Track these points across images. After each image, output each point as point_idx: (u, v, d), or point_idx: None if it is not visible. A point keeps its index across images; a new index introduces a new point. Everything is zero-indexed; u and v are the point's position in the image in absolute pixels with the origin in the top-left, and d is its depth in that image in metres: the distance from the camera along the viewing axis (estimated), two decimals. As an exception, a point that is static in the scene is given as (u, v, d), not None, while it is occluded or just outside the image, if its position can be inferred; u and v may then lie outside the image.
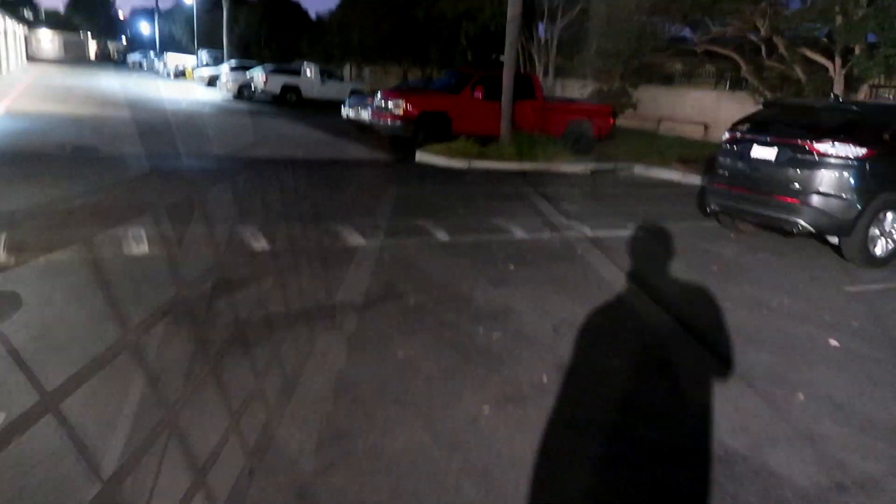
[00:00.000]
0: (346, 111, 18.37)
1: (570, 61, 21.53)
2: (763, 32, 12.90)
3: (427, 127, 14.77)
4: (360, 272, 5.47)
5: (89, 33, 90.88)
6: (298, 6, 44.10)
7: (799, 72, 13.26)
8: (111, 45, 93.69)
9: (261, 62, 33.87)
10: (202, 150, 12.59)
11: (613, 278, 5.93)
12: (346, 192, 9.35)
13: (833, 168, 6.94)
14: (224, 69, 33.43)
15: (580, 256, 6.64)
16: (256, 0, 44.42)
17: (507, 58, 14.39)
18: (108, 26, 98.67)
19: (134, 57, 62.80)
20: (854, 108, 7.33)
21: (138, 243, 5.65)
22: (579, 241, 7.27)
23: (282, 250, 5.90)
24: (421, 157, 13.81)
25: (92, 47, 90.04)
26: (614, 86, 19.69)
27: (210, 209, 7.39)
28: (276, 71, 28.40)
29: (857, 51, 12.46)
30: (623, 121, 17.69)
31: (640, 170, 15.19)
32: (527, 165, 14.00)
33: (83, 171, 9.24)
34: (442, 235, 6.87)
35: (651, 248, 7.30)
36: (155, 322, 4.00)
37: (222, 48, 38.36)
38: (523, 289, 5.41)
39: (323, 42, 35.16)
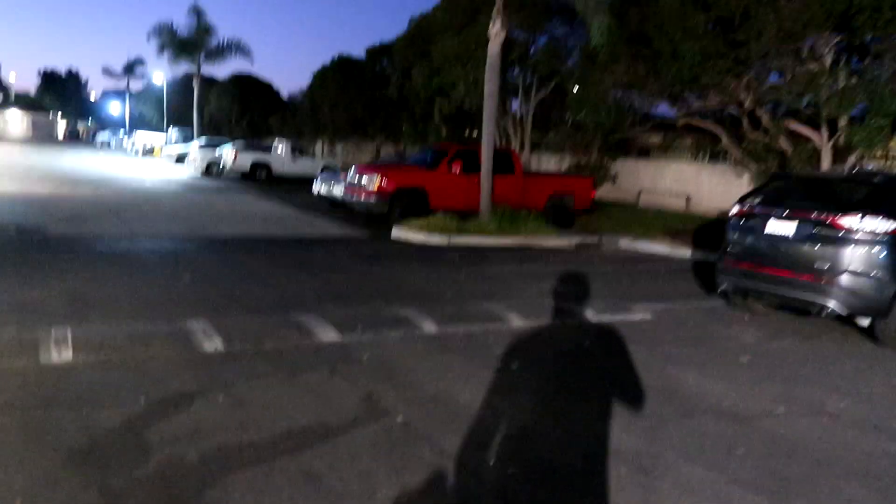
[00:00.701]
0: (318, 187, 17.64)
1: (544, 135, 21.33)
2: (747, 105, 12.63)
3: (403, 202, 14.05)
4: (334, 380, 4.48)
5: (59, 114, 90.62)
6: (270, 86, 44.23)
7: (783, 143, 12.95)
8: (80, 126, 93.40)
9: (232, 140, 33.43)
10: (159, 230, 11.62)
11: (636, 380, 5.02)
12: (318, 274, 8.41)
13: (862, 245, 6.24)
14: (193, 146, 32.86)
15: (590, 350, 5.74)
16: (227, 79, 44.44)
17: (486, 132, 13.89)
18: (79, 107, 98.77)
19: (102, 136, 62.21)
20: (877, 178, 6.72)
21: (59, 348, 4.61)
22: (585, 330, 6.38)
23: (239, 352, 4.90)
24: (398, 233, 13.00)
25: (62, 127, 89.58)
26: (592, 159, 19.41)
27: (156, 299, 6.38)
28: (246, 147, 27.84)
29: (841, 122, 12.20)
30: (602, 193, 17.28)
31: (625, 243, 14.56)
32: (509, 240, 13.27)
33: (23, 254, 8.20)
34: (429, 326, 5.93)
35: (667, 335, 6.44)
36: (54, 469, 2.95)
37: (192, 126, 37.98)
38: (534, 397, 4.46)
39: (294, 119, 34.92)
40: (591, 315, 6.90)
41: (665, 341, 6.19)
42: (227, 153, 27.23)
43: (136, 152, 43.33)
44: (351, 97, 27.36)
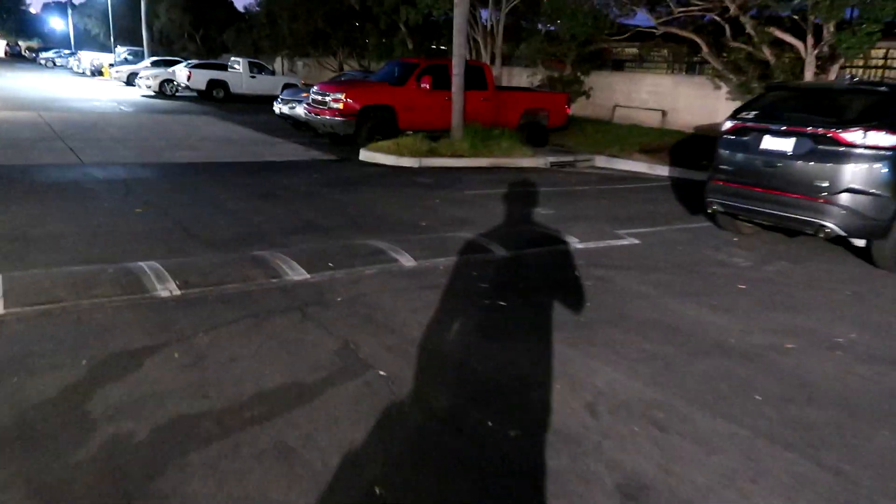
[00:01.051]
0: (279, 107, 16.65)
1: (515, 48, 20.33)
2: (732, 11, 11.94)
3: (371, 122, 13.28)
4: (306, 327, 4.02)
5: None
6: (223, -3, 41.53)
7: (767, 53, 12.38)
8: (22, 43, 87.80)
9: (186, 59, 31.50)
10: (109, 156, 10.76)
11: (634, 315, 4.66)
12: (282, 203, 7.81)
13: (865, 161, 5.86)
14: (141, 65, 30.98)
15: (582, 277, 5.35)
16: (177, -10, 41.57)
17: (457, 44, 13.02)
18: (20, 23, 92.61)
19: (46, 54, 58.52)
20: (882, 89, 6.27)
21: (-12, 299, 4.05)
22: (573, 256, 5.98)
23: (196, 296, 4.38)
24: (366, 155, 12.33)
25: (1, 45, 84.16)
26: (565, 73, 18.59)
27: (103, 236, 5.77)
28: (201, 66, 26.31)
29: (827, 30, 11.65)
30: (576, 109, 16.66)
31: (601, 161, 14.13)
32: (483, 161, 12.72)
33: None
34: (406, 260, 5.46)
35: (658, 262, 6.08)
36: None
37: (143, 43, 35.69)
38: (525, 339, 4.07)
39: (251, 35, 32.94)
40: (576, 241, 6.49)
41: (657, 268, 5.83)
42: (181, 72, 25.71)
43: (84, 72, 40.90)
44: (310, 8, 25.63)
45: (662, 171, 13.04)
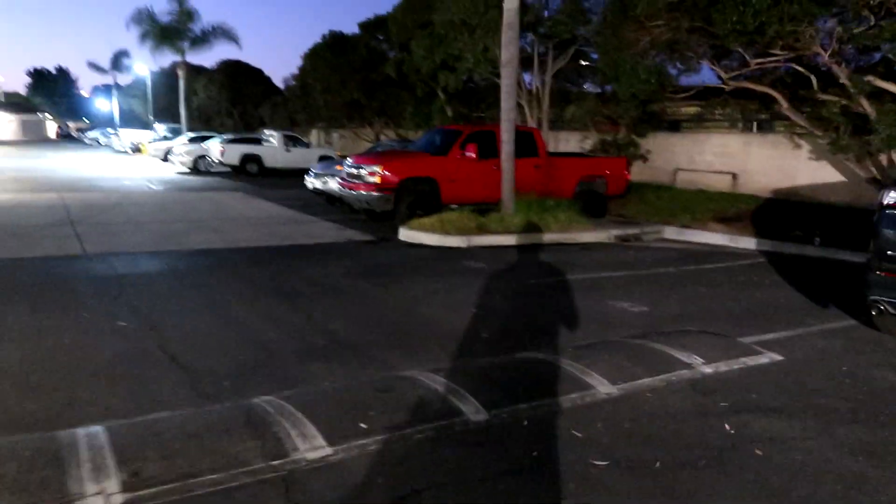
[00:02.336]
0: (312, 181, 15.43)
1: (561, 112, 18.99)
2: (825, 58, 10.36)
3: (411, 196, 11.84)
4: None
5: (48, 114, 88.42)
6: (260, 72, 41.78)
7: (865, 105, 10.68)
8: (72, 124, 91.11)
9: (222, 133, 31.17)
10: (115, 243, 9.45)
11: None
12: (303, 306, 6.23)
13: None
14: (178, 141, 30.67)
15: (734, 439, 3.56)
16: (215, 67, 42.01)
17: (505, 108, 11.62)
18: (71, 105, 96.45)
19: (92, 134, 59.97)
20: None
21: None
22: (705, 392, 4.20)
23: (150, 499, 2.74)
24: (406, 234, 10.81)
25: (52, 127, 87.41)
26: (619, 136, 17.09)
27: (51, 372, 4.22)
28: (235, 140, 25.64)
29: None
30: (632, 174, 15.04)
31: (672, 233, 12.37)
32: (538, 237, 11.10)
33: None
34: (472, 411, 3.75)
35: (829, 398, 4.25)
36: None
37: (181, 120, 35.72)
38: None
39: (286, 108, 32.57)
40: (700, 362, 4.71)
41: (835, 411, 4.00)
42: (214, 147, 25.06)
43: (125, 150, 41.19)
44: (345, 78, 24.88)
45: (747, 243, 11.22)
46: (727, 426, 3.65)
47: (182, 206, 14.52)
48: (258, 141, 25.67)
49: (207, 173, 25.41)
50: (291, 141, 25.80)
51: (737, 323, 6.00)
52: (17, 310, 5.79)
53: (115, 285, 6.87)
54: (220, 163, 24.68)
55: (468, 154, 12.17)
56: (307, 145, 26.83)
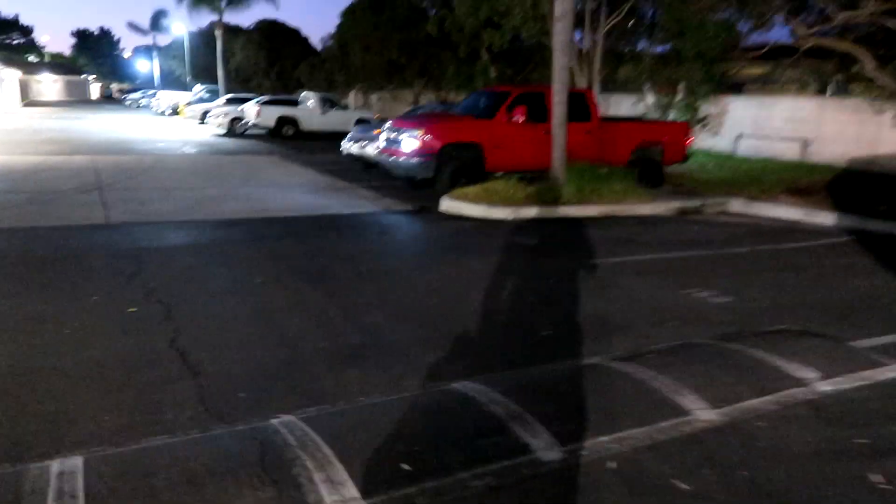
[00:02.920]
0: (348, 146, 14.67)
1: (612, 74, 17.77)
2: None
3: (454, 163, 10.99)
4: None
5: (92, 75, 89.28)
6: (297, 32, 40.86)
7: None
8: (115, 86, 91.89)
9: (260, 95, 30.57)
10: (140, 210, 8.89)
11: None
12: (336, 290, 5.53)
13: None
14: (216, 103, 30.19)
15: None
16: (252, 27, 41.23)
17: (558, 67, 10.62)
18: (114, 67, 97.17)
19: (133, 96, 60.10)
20: None
21: None
22: (833, 422, 3.36)
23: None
24: (448, 205, 10.01)
25: (95, 88, 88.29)
26: (675, 99, 15.87)
27: (34, 374, 3.59)
28: (271, 102, 24.98)
29: None
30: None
31: (738, 206, 11.29)
32: (592, 209, 10.21)
33: None
34: (539, 443, 2.99)
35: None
36: None
37: (218, 81, 35.20)
38: None
39: (324, 69, 31.73)
40: (814, 376, 3.85)
41: None
42: (250, 109, 24.44)
43: (163, 112, 41.01)
44: (384, 36, 23.90)
45: (826, 218, 10.12)
46: (880, 477, 2.82)
47: (215, 171, 13.93)
48: (294, 103, 24.96)
49: (243, 135, 24.90)
50: (328, 103, 25.03)
51: (841, 320, 5.10)
52: (19, 290, 5.21)
53: (132, 261, 6.26)
54: (256, 125, 24.10)
55: (516, 117, 11.23)
56: (345, 108, 26.05)
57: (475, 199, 9.94)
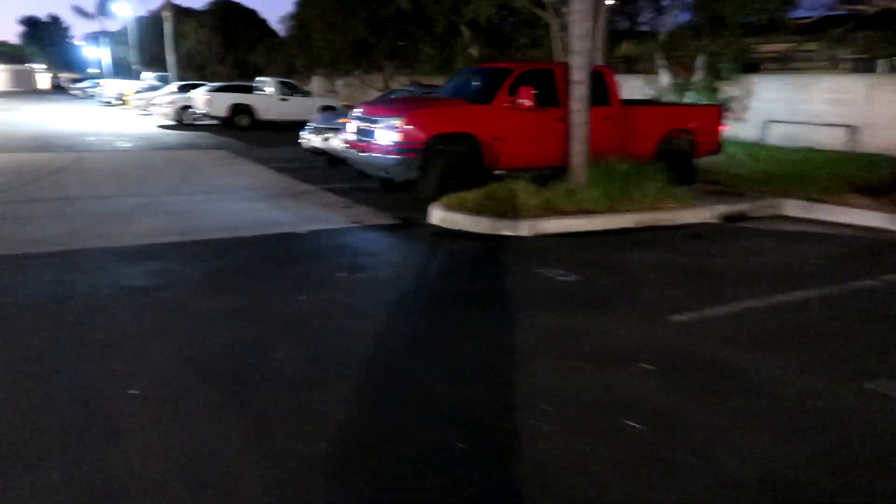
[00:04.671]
0: (309, 138, 12.07)
1: (614, 49, 15.42)
2: None
3: (443, 161, 8.53)
4: None
5: (42, 64, 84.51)
6: (254, 13, 37.73)
7: None
8: (65, 75, 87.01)
9: (213, 82, 27.58)
10: (17, 234, 6.27)
11: None
12: (270, 423, 3.07)
13: None
14: (162, 91, 27.17)
15: None
16: (206, 9, 37.98)
17: (578, 34, 8.22)
18: (64, 55, 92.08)
19: (80, 85, 56.07)
20: None
21: None
22: None
23: None
24: (442, 216, 7.58)
25: (45, 78, 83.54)
26: (692, 79, 13.60)
27: None
28: (223, 88, 22.17)
29: None
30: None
31: (796, 209, 9.05)
32: (626, 219, 7.92)
33: None
34: None
35: None
36: None
37: (169, 68, 32.03)
38: None
39: (283, 52, 28.86)
40: None
41: None
42: (199, 96, 21.59)
43: (110, 101, 37.61)
44: (349, 13, 21.17)
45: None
46: None
47: (143, 172, 11.24)
48: (249, 89, 22.18)
49: (192, 126, 22.02)
50: (288, 89, 22.32)
51: None
52: None
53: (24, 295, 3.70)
54: (207, 114, 21.27)
55: (521, 101, 8.79)
56: (307, 94, 23.35)
57: (477, 209, 7.51)
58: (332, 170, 11.31)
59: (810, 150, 12.04)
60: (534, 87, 8.89)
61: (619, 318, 4.54)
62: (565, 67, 9.49)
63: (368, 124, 8.88)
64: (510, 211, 7.50)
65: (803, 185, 9.79)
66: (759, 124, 13.45)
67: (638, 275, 5.68)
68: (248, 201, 8.66)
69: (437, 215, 7.61)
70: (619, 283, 5.45)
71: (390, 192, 9.33)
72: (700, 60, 13.21)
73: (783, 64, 14.15)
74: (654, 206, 8.43)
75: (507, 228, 7.26)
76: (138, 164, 12.28)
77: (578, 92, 8.22)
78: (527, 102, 8.76)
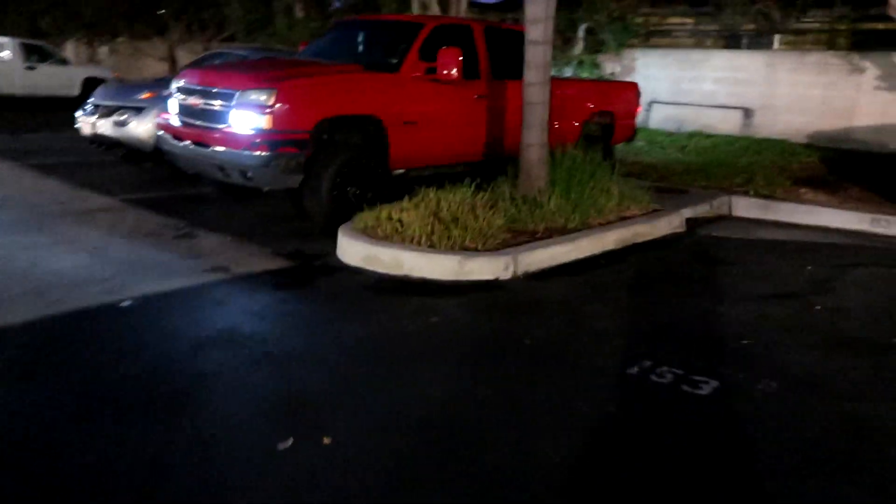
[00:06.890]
0: (88, 121, 8.05)
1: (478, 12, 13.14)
2: None
3: (340, 158, 5.48)
4: None
5: None
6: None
7: None
8: None
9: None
10: None
11: None
12: None
13: None
14: None
15: None
16: None
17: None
18: None
19: None
20: None
21: None
22: None
23: None
24: (362, 250, 4.64)
25: None
26: (573, 50, 11.77)
27: None
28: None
29: None
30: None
31: (749, 209, 7.56)
32: (606, 238, 5.75)
33: None
34: None
35: None
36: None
37: None
38: None
39: (24, 7, 22.51)
40: None
41: None
42: None
43: None
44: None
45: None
46: None
47: None
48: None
49: None
50: (36, 54, 16.91)
51: None
52: None
53: None
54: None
55: (444, 70, 6.01)
56: (63, 62, 18.03)
57: (421, 238, 4.70)
58: (132, 168, 7.63)
59: (707, 134, 10.83)
60: (456, 50, 6.16)
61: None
62: (486, 26, 7.02)
63: (206, 100, 5.54)
64: (473, 238, 4.80)
65: (735, 179, 8.43)
66: (643, 103, 12.08)
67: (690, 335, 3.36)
68: (5, 244, 4.89)
69: (357, 250, 4.66)
70: (627, 333, 3.08)
71: (239, 201, 6.13)
72: (581, 30, 11.42)
73: (674, 40, 12.93)
74: (622, 214, 6.32)
75: (476, 268, 4.56)
76: None
77: (537, 56, 5.72)
78: (453, 72, 6.02)
